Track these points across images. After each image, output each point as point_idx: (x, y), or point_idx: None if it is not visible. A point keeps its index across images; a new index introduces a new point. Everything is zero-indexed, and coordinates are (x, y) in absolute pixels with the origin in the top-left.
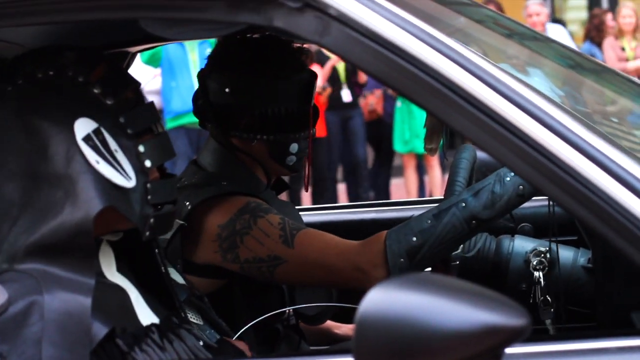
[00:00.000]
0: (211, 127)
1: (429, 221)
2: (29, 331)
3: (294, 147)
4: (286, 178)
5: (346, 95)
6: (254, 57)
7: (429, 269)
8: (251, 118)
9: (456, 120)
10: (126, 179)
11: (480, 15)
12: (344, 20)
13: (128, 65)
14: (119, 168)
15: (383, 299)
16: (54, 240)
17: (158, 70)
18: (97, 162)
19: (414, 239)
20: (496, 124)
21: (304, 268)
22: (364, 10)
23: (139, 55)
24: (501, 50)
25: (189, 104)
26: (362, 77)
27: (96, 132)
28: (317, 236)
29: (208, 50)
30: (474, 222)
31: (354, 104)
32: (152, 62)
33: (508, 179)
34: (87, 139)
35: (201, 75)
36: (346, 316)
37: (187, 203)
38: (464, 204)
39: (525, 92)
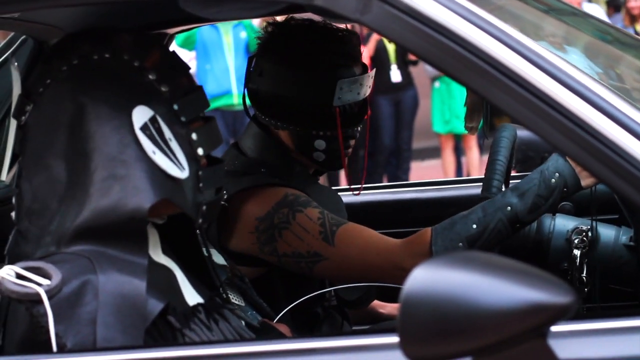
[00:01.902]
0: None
1: (475, 226)
2: (83, 311)
3: (320, 143)
4: None
5: (395, 76)
6: (290, 45)
7: None
8: (275, 105)
9: (498, 97)
10: (180, 170)
11: None
12: None
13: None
14: (173, 158)
15: (428, 278)
16: (103, 222)
17: (193, 54)
18: (154, 153)
19: (460, 245)
20: (539, 100)
21: (344, 265)
22: None
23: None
24: (541, 27)
25: (224, 87)
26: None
27: (152, 120)
28: (358, 233)
29: (243, 34)
30: (517, 225)
31: (405, 85)
32: (187, 45)
33: (553, 180)
34: (144, 128)
35: (249, 57)
36: (390, 296)
37: (224, 191)
38: (509, 208)
39: (568, 68)
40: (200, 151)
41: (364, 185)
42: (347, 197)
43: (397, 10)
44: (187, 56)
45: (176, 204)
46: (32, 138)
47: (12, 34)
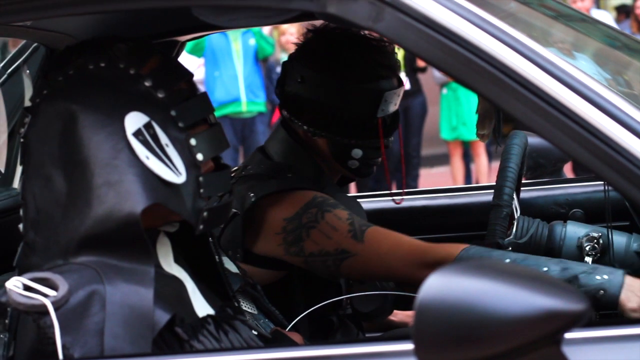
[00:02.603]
0: (285, 114)
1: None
2: (90, 321)
3: (357, 152)
4: None
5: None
6: (333, 53)
7: None
8: (316, 113)
9: (511, 105)
10: (176, 175)
11: None
12: (397, 6)
13: (177, 55)
14: (169, 163)
15: (443, 285)
16: (102, 229)
17: (201, 60)
18: (147, 158)
19: None
20: (552, 108)
21: (372, 262)
22: None
23: None
24: (552, 33)
25: (232, 94)
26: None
27: (147, 126)
28: (387, 233)
29: (252, 41)
30: None
31: (413, 92)
32: (196, 51)
33: (598, 278)
34: (137, 133)
35: (285, 61)
36: (402, 304)
37: (252, 194)
38: (545, 269)
39: (579, 75)
40: (199, 157)
41: (374, 193)
42: None
43: (409, 18)
44: (196, 63)
45: (172, 209)
46: (31, 149)
47: (24, 41)
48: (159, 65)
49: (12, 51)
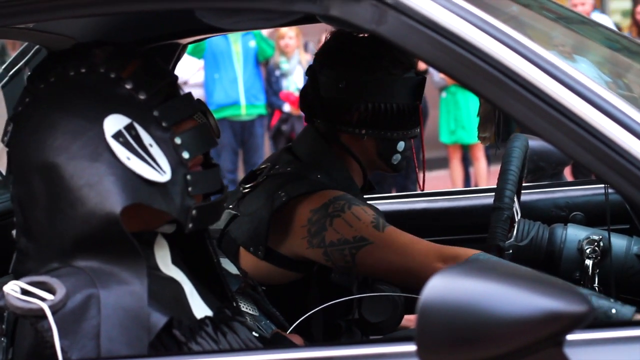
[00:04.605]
0: (319, 123)
1: None
2: (87, 325)
3: (401, 145)
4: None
5: None
6: (368, 53)
7: None
8: (364, 113)
9: (514, 107)
10: (160, 174)
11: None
12: (400, 8)
13: (179, 57)
14: (152, 163)
15: (445, 287)
16: (88, 230)
17: (201, 62)
18: (128, 159)
19: None
20: (554, 110)
21: (389, 252)
22: None
23: None
24: (554, 36)
25: (232, 97)
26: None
27: (128, 127)
28: (406, 233)
29: (252, 43)
30: None
31: None
32: (196, 53)
33: (614, 311)
34: (117, 135)
35: (311, 71)
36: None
37: (283, 194)
38: None
39: (581, 77)
40: (185, 155)
41: (374, 195)
42: None
43: (412, 21)
44: (196, 65)
45: (157, 209)
46: (15, 157)
47: (26, 43)
48: (140, 67)
49: (11, 54)
